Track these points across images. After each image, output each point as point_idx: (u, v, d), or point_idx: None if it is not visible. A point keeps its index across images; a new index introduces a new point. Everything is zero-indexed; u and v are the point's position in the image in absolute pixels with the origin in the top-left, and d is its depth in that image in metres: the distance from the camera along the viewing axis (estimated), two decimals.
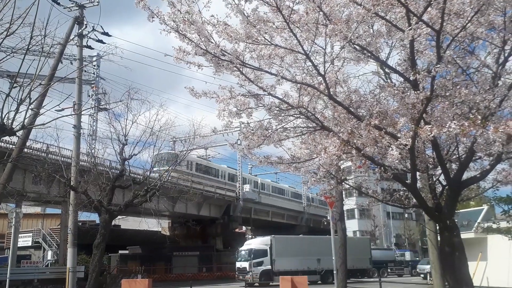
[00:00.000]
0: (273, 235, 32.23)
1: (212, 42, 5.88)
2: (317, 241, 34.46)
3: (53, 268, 29.81)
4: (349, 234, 58.98)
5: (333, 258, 17.45)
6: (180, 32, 5.77)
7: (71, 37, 19.70)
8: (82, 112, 22.59)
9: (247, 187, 53.47)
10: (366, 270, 35.98)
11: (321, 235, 39.77)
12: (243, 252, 32.67)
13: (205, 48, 5.83)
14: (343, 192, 23.62)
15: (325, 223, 45.65)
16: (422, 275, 37.28)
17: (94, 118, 31.52)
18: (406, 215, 59.62)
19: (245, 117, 6.79)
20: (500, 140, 5.41)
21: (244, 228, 70.20)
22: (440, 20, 5.56)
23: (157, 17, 5.73)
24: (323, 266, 31.47)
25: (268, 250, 31.28)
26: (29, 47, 8.29)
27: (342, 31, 5.60)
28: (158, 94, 77.62)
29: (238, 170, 54.16)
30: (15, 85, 8.86)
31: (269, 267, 30.78)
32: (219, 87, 6.61)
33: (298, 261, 31.30)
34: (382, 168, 7.10)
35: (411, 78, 6.10)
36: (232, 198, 51.15)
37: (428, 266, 38.19)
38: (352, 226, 62.08)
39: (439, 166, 7.60)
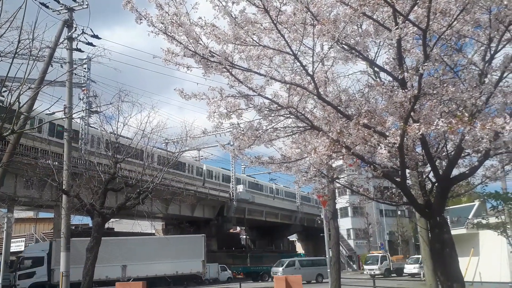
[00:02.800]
0: (54, 239, 25.79)
1: (200, 44, 5.90)
2: (122, 244, 28.23)
3: None
4: (343, 232, 59.38)
5: (327, 257, 17.51)
6: (168, 34, 5.78)
7: (60, 40, 19.61)
8: (73, 115, 22.50)
9: (240, 188, 53.58)
10: (198, 276, 29.74)
11: (133, 236, 32.66)
12: (20, 260, 26.18)
13: (193, 50, 5.85)
14: (336, 191, 23.69)
15: (319, 221, 46.05)
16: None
17: (86, 121, 31.39)
18: (399, 213, 60.00)
19: (235, 118, 6.83)
20: (487, 136, 5.48)
21: (238, 228, 70.27)
22: (426, 19, 5.62)
23: (145, 19, 5.74)
24: (131, 274, 26.31)
25: (46, 257, 24.92)
26: (17, 50, 8.25)
27: (330, 31, 5.64)
28: (150, 96, 77.74)
29: (231, 170, 54.25)
30: (4, 89, 8.82)
31: (44, 279, 24.47)
32: (209, 88, 6.63)
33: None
34: (372, 166, 7.15)
35: (399, 76, 6.16)
36: (225, 199, 51.23)
37: (281, 269, 35.26)
38: (345, 224, 62.36)
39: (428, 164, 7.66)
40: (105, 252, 24.86)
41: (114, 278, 25.24)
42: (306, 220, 68.92)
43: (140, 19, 5.73)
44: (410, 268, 40.67)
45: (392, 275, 41.07)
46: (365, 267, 43.47)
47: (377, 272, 40.96)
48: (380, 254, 44.97)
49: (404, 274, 39.80)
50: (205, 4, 5.74)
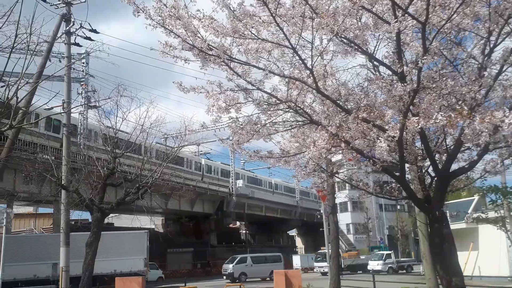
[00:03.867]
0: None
1: (198, 37, 5.85)
2: (52, 241, 25.57)
3: None
4: (342, 227, 59.50)
5: (326, 251, 17.53)
6: (166, 27, 5.74)
7: (58, 35, 19.53)
8: (72, 110, 22.46)
9: (240, 182, 53.59)
10: (139, 274, 26.76)
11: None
12: None
13: (191, 43, 5.81)
14: (336, 185, 23.64)
15: (318, 216, 45.70)
16: (224, 277, 33.55)
17: (84, 116, 31.33)
18: (398, 207, 60.05)
19: (234, 112, 6.79)
20: (486, 130, 5.46)
21: (238, 223, 70.39)
22: (425, 12, 5.58)
23: (143, 12, 5.69)
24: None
25: None
26: (15, 45, 8.19)
27: (329, 24, 5.59)
28: (148, 91, 77.56)
29: (231, 165, 54.23)
30: (1, 84, 8.78)
31: None
32: (208, 82, 6.59)
33: (20, 267, 23.35)
34: (371, 160, 7.13)
35: (398, 70, 6.13)
36: (225, 194, 51.26)
37: (231, 266, 33.56)
38: (345, 219, 62.51)
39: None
40: (33, 250, 23.94)
41: (43, 277, 23.60)
42: (305, 215, 69.02)
43: (138, 12, 5.69)
44: (373, 264, 38.25)
45: (344, 272, 36.52)
46: (315, 264, 39.79)
47: (326, 270, 37.65)
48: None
49: (358, 272, 36.46)
50: None
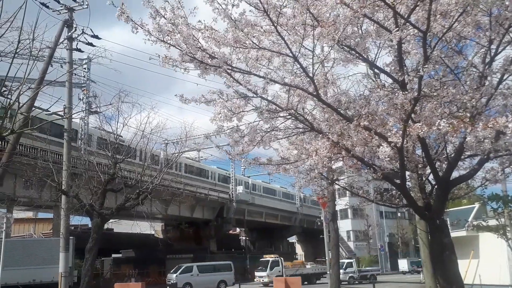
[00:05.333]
0: None
1: (199, 48, 5.84)
2: None
3: None
4: (343, 234, 59.33)
5: (326, 259, 17.49)
6: (166, 41, 5.72)
7: (60, 40, 19.61)
8: (73, 116, 22.50)
9: (240, 189, 53.51)
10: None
11: None
12: None
13: (192, 56, 5.79)
14: (336, 192, 23.57)
15: (319, 223, 45.39)
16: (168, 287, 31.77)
17: (85, 121, 31.36)
18: (399, 214, 59.93)
19: (235, 120, 6.78)
20: (489, 136, 5.46)
21: (238, 229, 70.22)
22: (426, 21, 5.60)
23: (141, 28, 5.65)
24: None
25: None
26: (17, 51, 8.22)
27: (330, 33, 5.61)
28: (150, 97, 77.71)
29: (231, 171, 54.21)
30: (3, 89, 8.79)
31: None
32: (209, 92, 6.59)
33: None
34: (372, 168, 7.13)
35: (399, 78, 6.14)
36: (225, 200, 51.18)
37: (175, 275, 31.36)
38: (345, 226, 62.35)
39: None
40: None
41: None
42: (305, 222, 68.84)
43: (136, 29, 5.64)
44: None
45: None
46: (256, 273, 36.82)
47: (266, 280, 34.45)
48: (271, 259, 37.22)
49: (305, 283, 31.11)
50: (204, 7, 5.70)
